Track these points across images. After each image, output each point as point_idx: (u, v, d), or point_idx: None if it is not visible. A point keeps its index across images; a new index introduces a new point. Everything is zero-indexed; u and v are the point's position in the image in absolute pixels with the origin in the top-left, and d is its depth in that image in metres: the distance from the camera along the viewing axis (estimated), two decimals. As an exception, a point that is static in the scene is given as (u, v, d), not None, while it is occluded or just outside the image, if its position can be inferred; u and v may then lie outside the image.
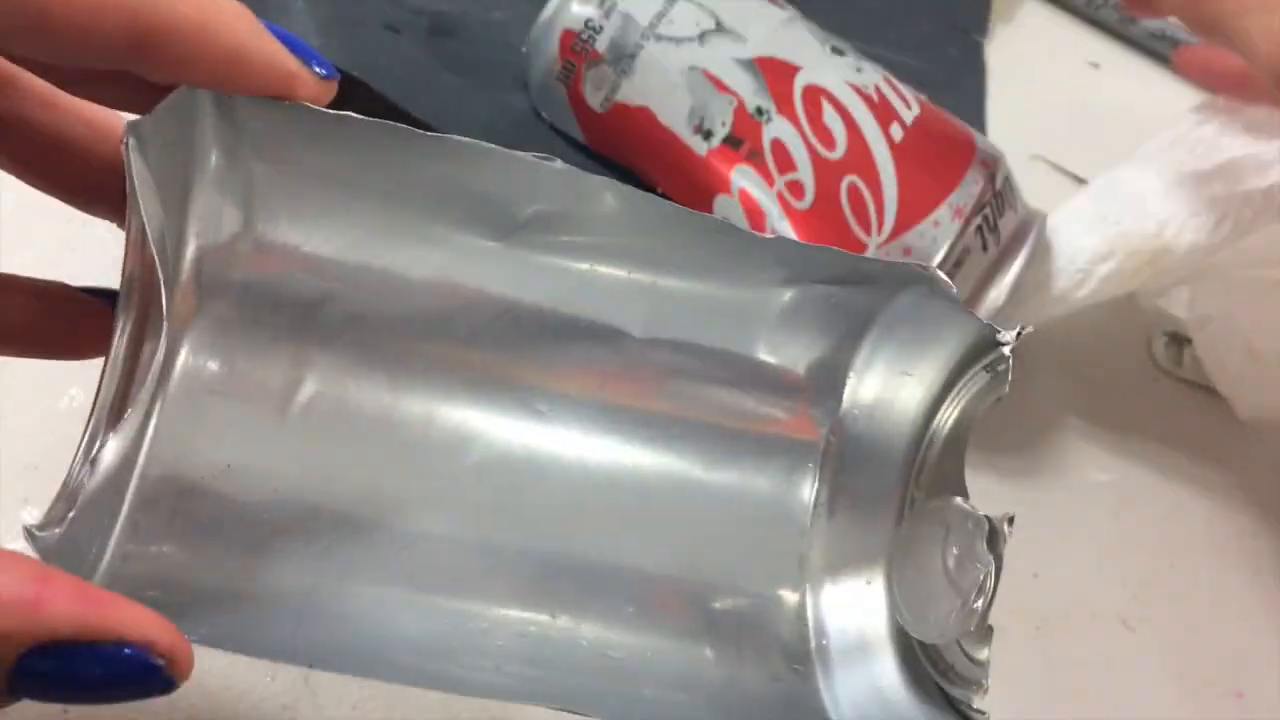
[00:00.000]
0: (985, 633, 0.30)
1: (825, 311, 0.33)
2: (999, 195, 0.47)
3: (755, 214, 0.46)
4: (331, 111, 0.26)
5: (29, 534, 0.22)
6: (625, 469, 0.33)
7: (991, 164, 0.47)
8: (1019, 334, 0.30)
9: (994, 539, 0.30)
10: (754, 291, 0.33)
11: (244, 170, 0.29)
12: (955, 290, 0.30)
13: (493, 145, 0.28)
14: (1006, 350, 0.30)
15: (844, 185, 0.45)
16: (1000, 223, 0.47)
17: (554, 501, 0.33)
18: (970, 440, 0.32)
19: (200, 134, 0.27)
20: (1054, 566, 0.49)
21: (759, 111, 0.46)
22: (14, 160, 0.27)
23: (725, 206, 0.47)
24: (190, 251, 0.29)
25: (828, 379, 0.34)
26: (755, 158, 0.46)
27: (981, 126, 0.61)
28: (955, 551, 0.31)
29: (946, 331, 0.32)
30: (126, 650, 0.21)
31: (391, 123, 0.27)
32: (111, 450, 0.24)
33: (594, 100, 0.47)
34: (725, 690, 0.32)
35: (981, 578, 0.30)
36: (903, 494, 0.34)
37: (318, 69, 0.26)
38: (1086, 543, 0.51)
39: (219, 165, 0.28)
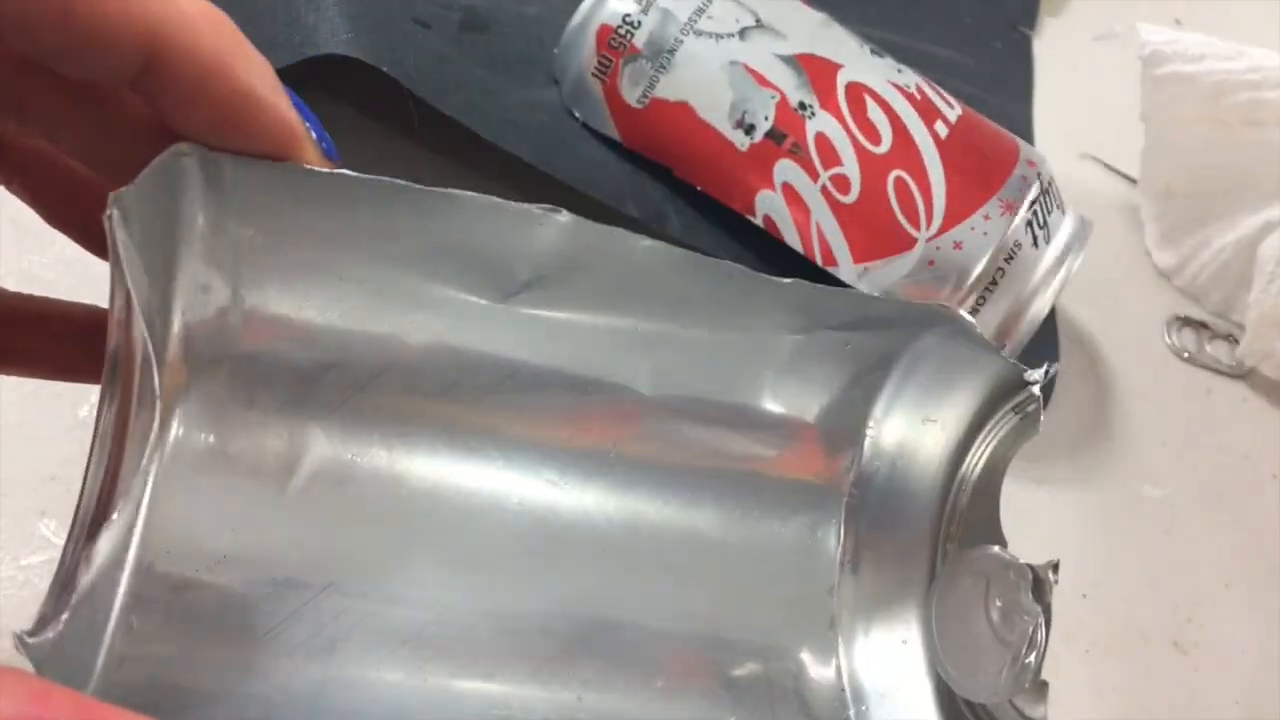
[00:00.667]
0: (1040, 689, 0.29)
1: (840, 357, 0.32)
2: (1047, 192, 0.45)
3: (799, 209, 0.44)
4: (323, 170, 0.25)
5: (20, 641, 0.21)
6: (643, 532, 0.32)
7: (1037, 161, 0.46)
8: (1048, 373, 0.29)
9: (1040, 588, 0.29)
10: (764, 339, 0.31)
11: (231, 238, 0.27)
12: (978, 329, 0.28)
13: (494, 199, 0.26)
14: (1035, 390, 0.29)
15: (890, 179, 0.43)
16: (1050, 220, 0.45)
17: (571, 572, 0.32)
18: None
19: (186, 201, 0.26)
20: (1103, 586, 0.47)
21: (802, 106, 0.44)
22: (29, 194, 0.27)
23: (768, 202, 0.45)
24: (177, 325, 0.27)
25: (847, 427, 0.33)
26: (798, 152, 0.44)
27: (1029, 123, 0.59)
28: (999, 604, 0.30)
29: (970, 374, 0.30)
30: None
31: (384, 179, 0.25)
32: (103, 540, 0.23)
33: (631, 96, 0.45)
34: None
35: (1031, 630, 0.29)
36: (934, 545, 0.32)
37: (322, 144, 0.25)
38: (1137, 561, 0.49)
39: (205, 234, 0.27)
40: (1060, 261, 0.45)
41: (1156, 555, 0.49)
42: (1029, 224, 0.44)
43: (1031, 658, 0.29)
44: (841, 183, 0.44)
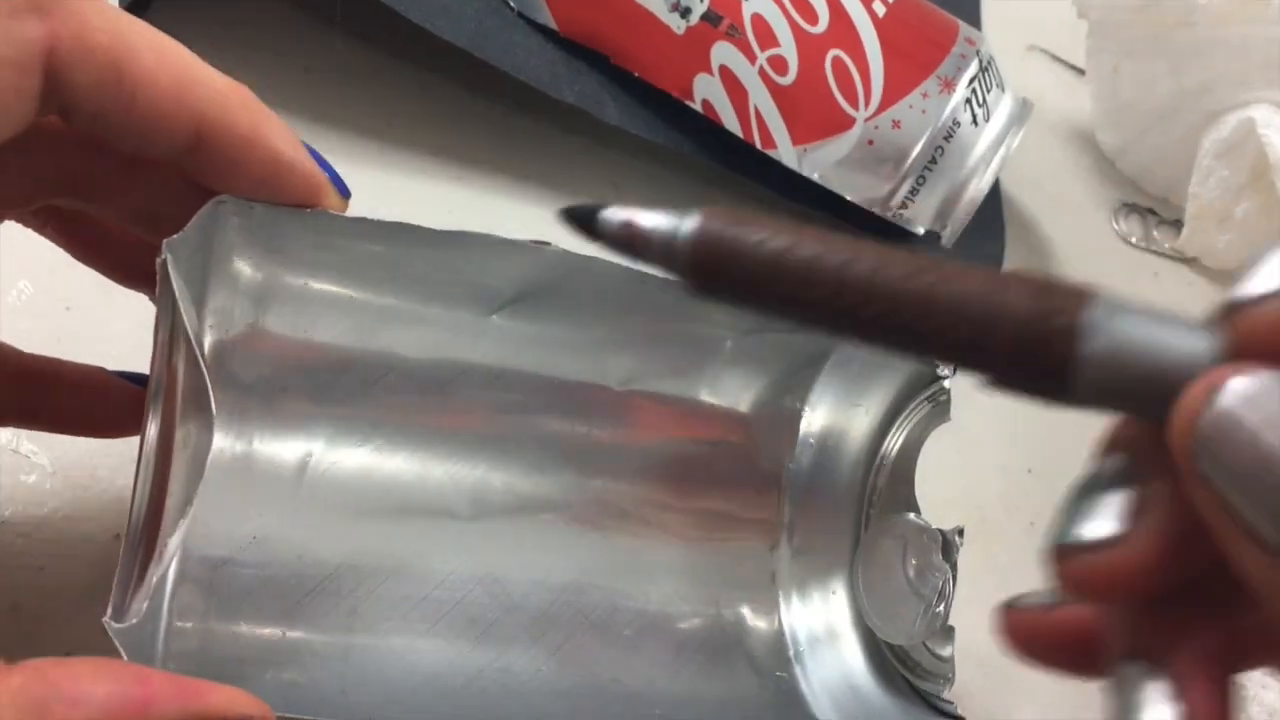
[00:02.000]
0: (948, 632, 0.34)
1: (780, 352, 0.36)
2: (986, 70, 0.45)
3: (737, 92, 0.44)
4: (342, 215, 0.28)
5: (111, 630, 0.24)
6: (609, 507, 0.36)
7: (976, 40, 0.45)
8: (954, 370, 0.33)
9: (948, 549, 0.34)
10: (717, 337, 0.36)
11: (256, 270, 0.31)
12: None
13: (492, 235, 0.30)
14: (946, 384, 0.33)
15: (828, 59, 0.43)
16: (989, 98, 0.45)
17: (550, 544, 0.35)
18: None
19: (220, 242, 0.29)
20: (1048, 462, 0.48)
21: (739, -10, 0.44)
22: (64, 239, 0.30)
23: (706, 86, 0.44)
24: (208, 345, 0.31)
25: (785, 410, 0.37)
26: (735, 34, 0.43)
27: (977, 13, 0.59)
28: (914, 562, 0.35)
29: (891, 368, 0.35)
30: None
31: (394, 222, 0.29)
32: (168, 541, 0.26)
33: (565, -20, 0.45)
34: (725, 702, 0.35)
35: (940, 584, 0.34)
36: (859, 511, 0.37)
37: (339, 189, 0.29)
38: (1081, 438, 0.49)
39: (235, 267, 0.31)
40: (1000, 140, 0.45)
41: (1099, 431, 0.49)
42: (968, 101, 0.44)
43: (941, 607, 0.34)
44: (779, 64, 0.43)
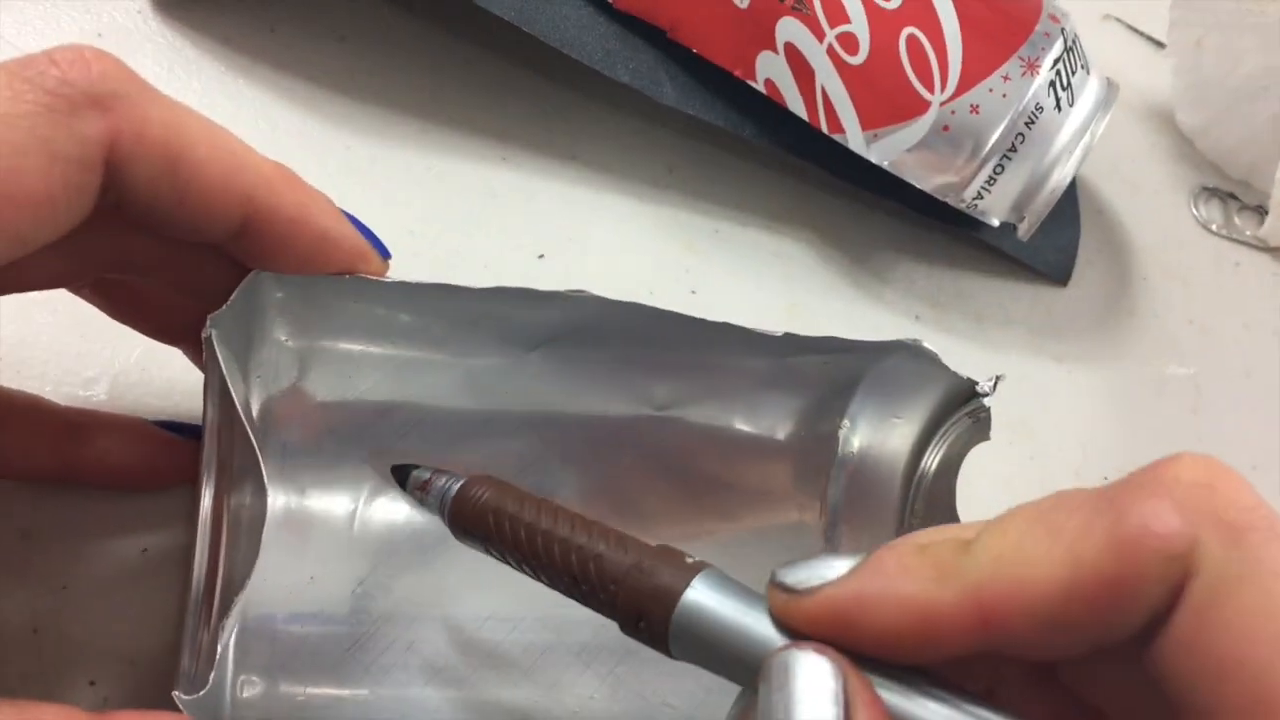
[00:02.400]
0: None
1: (812, 378, 0.35)
2: (1071, 50, 0.42)
3: (803, 71, 0.41)
4: (384, 280, 0.29)
5: (181, 703, 0.24)
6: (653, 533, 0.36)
7: (1061, 17, 0.42)
8: (995, 384, 0.32)
9: None
10: (754, 364, 0.35)
11: (296, 336, 0.32)
12: (939, 356, 0.32)
13: (529, 289, 0.30)
14: (986, 401, 0.32)
15: (903, 37, 0.40)
16: (1074, 81, 0.42)
17: None
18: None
19: (261, 310, 0.30)
20: (1126, 469, 0.44)
21: (805, -41, 0.41)
22: (100, 299, 0.30)
23: (770, 65, 0.41)
24: (256, 408, 0.32)
25: (818, 436, 0.37)
26: (802, 8, 0.40)
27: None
28: None
29: (930, 382, 0.34)
30: None
31: (433, 283, 0.29)
32: (231, 614, 0.27)
33: (620, -51, 0.42)
34: None
35: None
36: (899, 522, 0.36)
37: (380, 252, 0.29)
38: (1161, 443, 0.46)
39: (275, 334, 0.31)
40: (1085, 127, 0.42)
41: (1181, 437, 0.46)
42: (1051, 85, 0.41)
43: None
44: (849, 42, 0.40)
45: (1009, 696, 0.23)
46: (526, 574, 0.26)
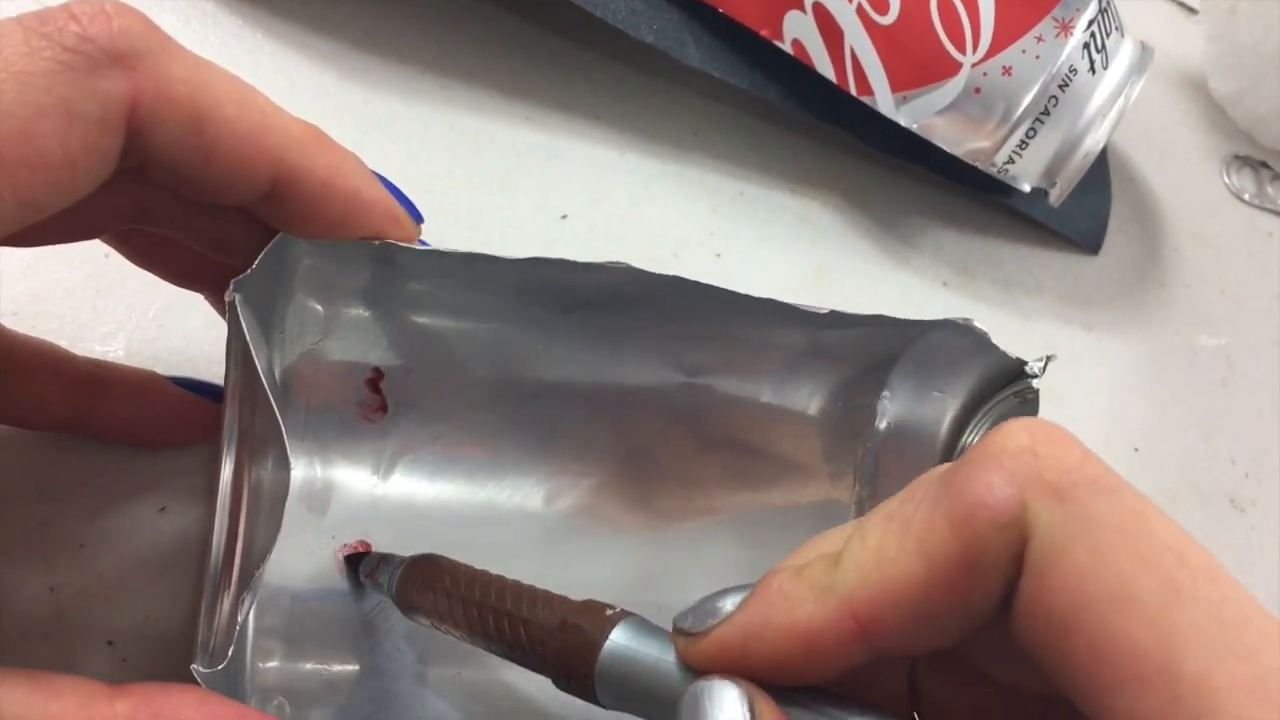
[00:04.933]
0: None
1: (849, 352, 0.35)
2: (1105, 11, 0.41)
3: (832, 32, 0.40)
4: (415, 247, 0.28)
5: (199, 675, 0.24)
6: (677, 518, 0.36)
7: (1096, -23, 0.41)
8: (1045, 365, 0.31)
9: None
10: (793, 337, 0.34)
11: (322, 301, 0.31)
12: (989, 335, 0.31)
13: (564, 259, 0.29)
14: (1035, 384, 0.31)
15: (934, -3, 0.39)
16: (1108, 43, 0.41)
17: (620, 542, 0.35)
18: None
19: (287, 274, 0.29)
20: (1156, 440, 0.44)
21: (834, -83, 0.40)
22: (119, 244, 0.29)
23: (797, 24, 0.41)
24: (279, 370, 0.31)
25: (852, 411, 0.36)
26: (831, -33, 0.40)
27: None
28: None
29: (975, 359, 0.33)
30: None
31: (468, 251, 0.28)
32: (241, 580, 0.27)
33: (645, -95, 0.41)
34: None
35: None
36: None
37: (413, 215, 0.28)
38: (1192, 414, 0.45)
39: (300, 298, 0.31)
40: (1119, 90, 0.41)
41: (1213, 408, 0.46)
42: (1085, 47, 0.40)
43: None
44: (879, 1, 0.40)
45: (934, 684, 0.24)
46: (474, 645, 0.28)
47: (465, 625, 0.27)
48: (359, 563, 0.31)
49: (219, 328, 0.27)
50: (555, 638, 0.24)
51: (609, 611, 0.24)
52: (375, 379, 0.33)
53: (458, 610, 0.27)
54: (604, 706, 0.24)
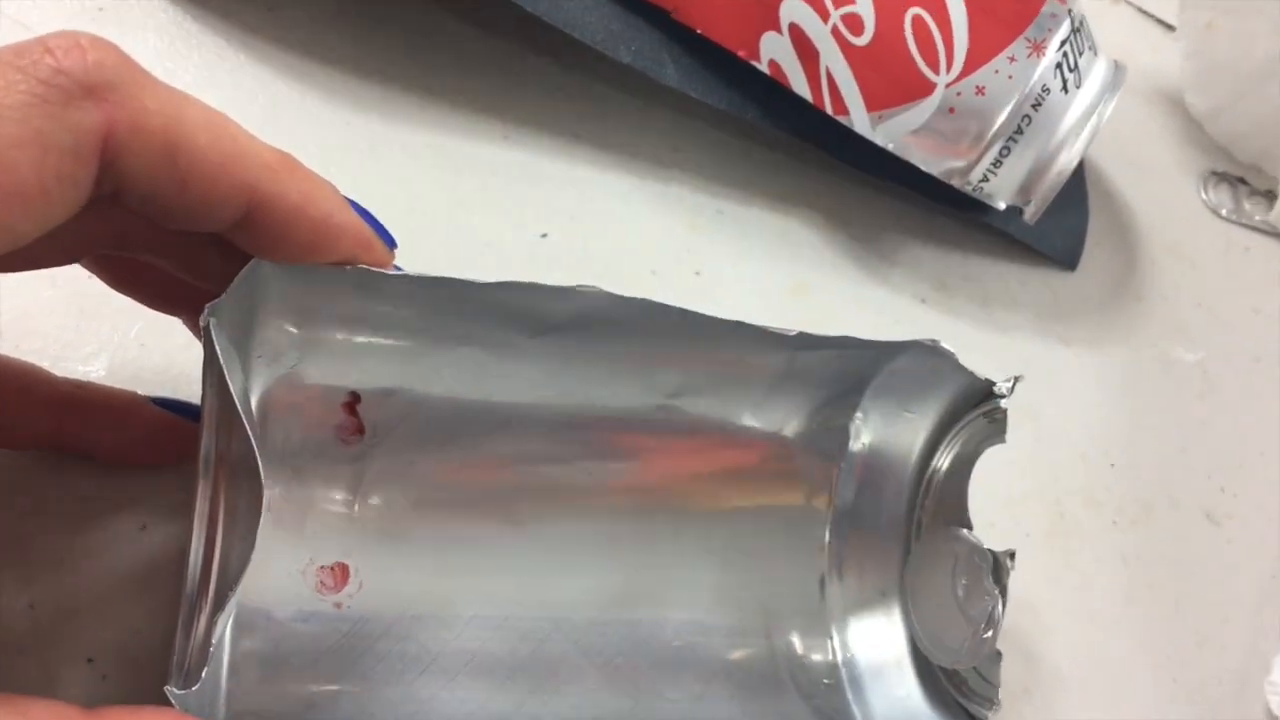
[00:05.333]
0: (995, 657, 0.33)
1: (823, 374, 0.35)
2: (1078, 31, 0.41)
3: (808, 52, 0.41)
4: (387, 272, 0.28)
5: (173, 697, 0.24)
6: (658, 530, 0.36)
7: (1067, -2, 0.42)
8: (1013, 386, 0.32)
9: (999, 572, 0.33)
10: (763, 361, 0.35)
11: (296, 325, 0.31)
12: (956, 356, 0.32)
13: (535, 283, 0.29)
14: (1003, 403, 0.32)
15: (908, 18, 0.40)
16: (1080, 63, 0.41)
17: (599, 560, 0.35)
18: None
19: (261, 298, 0.29)
20: (1132, 453, 0.45)
21: (810, -61, 0.40)
22: (97, 269, 0.30)
23: (774, 46, 0.41)
24: (256, 395, 0.31)
25: (826, 434, 0.37)
26: (807, -12, 0.40)
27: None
28: (964, 582, 0.34)
29: (945, 380, 0.34)
30: None
31: (437, 276, 0.29)
32: (215, 602, 0.27)
33: (624, -73, 0.41)
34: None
35: (990, 609, 0.33)
36: (909, 523, 0.36)
37: (386, 240, 0.28)
38: (1168, 428, 0.46)
39: (275, 323, 0.31)
40: (1092, 109, 0.42)
41: (1188, 421, 0.46)
42: (1058, 67, 0.41)
43: (990, 634, 0.33)
44: (854, 23, 0.40)
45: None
46: None
47: None
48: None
49: (199, 347, 0.27)
50: None
51: None
52: (352, 403, 0.33)
53: None
54: None
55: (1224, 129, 0.53)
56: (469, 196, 0.41)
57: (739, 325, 0.31)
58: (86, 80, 0.22)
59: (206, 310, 0.26)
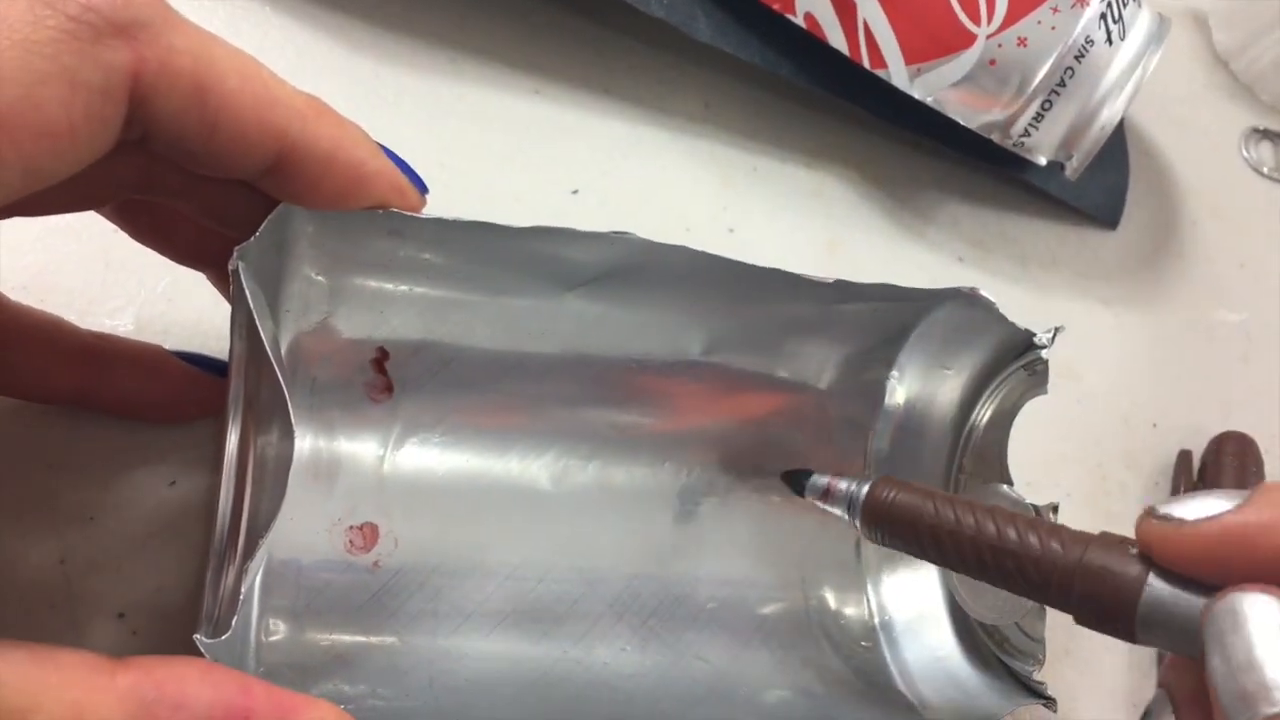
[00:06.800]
0: (1040, 612, 0.32)
1: (857, 326, 0.35)
2: (1125, -19, 0.40)
3: (845, 6, 0.40)
4: (419, 216, 0.28)
5: (202, 646, 0.24)
6: (693, 483, 0.36)
7: (1114, -55, 0.41)
8: (1054, 336, 0.31)
9: None
10: (802, 310, 0.34)
11: (327, 271, 0.31)
12: (995, 304, 0.32)
13: (570, 228, 0.29)
14: (1044, 354, 0.32)
15: (948, -33, 0.39)
16: (1125, 14, 0.40)
17: (633, 517, 0.35)
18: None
19: (291, 243, 0.29)
20: (1174, 416, 0.44)
21: (847, -111, 0.39)
22: (119, 219, 0.29)
23: (808, -4, 0.40)
24: (284, 348, 0.31)
25: (862, 386, 0.36)
26: (843, -62, 0.39)
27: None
28: None
29: (984, 332, 0.33)
30: None
31: (473, 221, 0.28)
32: (257, 555, 0.26)
33: (656, -123, 0.41)
34: (810, 680, 0.35)
35: None
36: (947, 478, 0.36)
37: (418, 186, 0.28)
38: (1211, 390, 0.45)
39: (305, 269, 0.30)
40: (1136, 62, 0.41)
41: (1232, 384, 0.45)
42: (1102, 17, 0.40)
43: None
44: (893, -28, 0.39)
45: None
46: (946, 566, 0.28)
47: (953, 556, 0.27)
48: (803, 482, 0.32)
49: (226, 306, 0.27)
50: (1081, 580, 0.24)
51: (1132, 550, 0.23)
52: (380, 359, 0.32)
53: (944, 540, 0.27)
54: (1138, 643, 0.24)
55: (1247, 67, 0.52)
56: (499, 152, 0.40)
57: (776, 272, 0.31)
58: (116, 18, 0.21)
59: (235, 253, 0.25)
